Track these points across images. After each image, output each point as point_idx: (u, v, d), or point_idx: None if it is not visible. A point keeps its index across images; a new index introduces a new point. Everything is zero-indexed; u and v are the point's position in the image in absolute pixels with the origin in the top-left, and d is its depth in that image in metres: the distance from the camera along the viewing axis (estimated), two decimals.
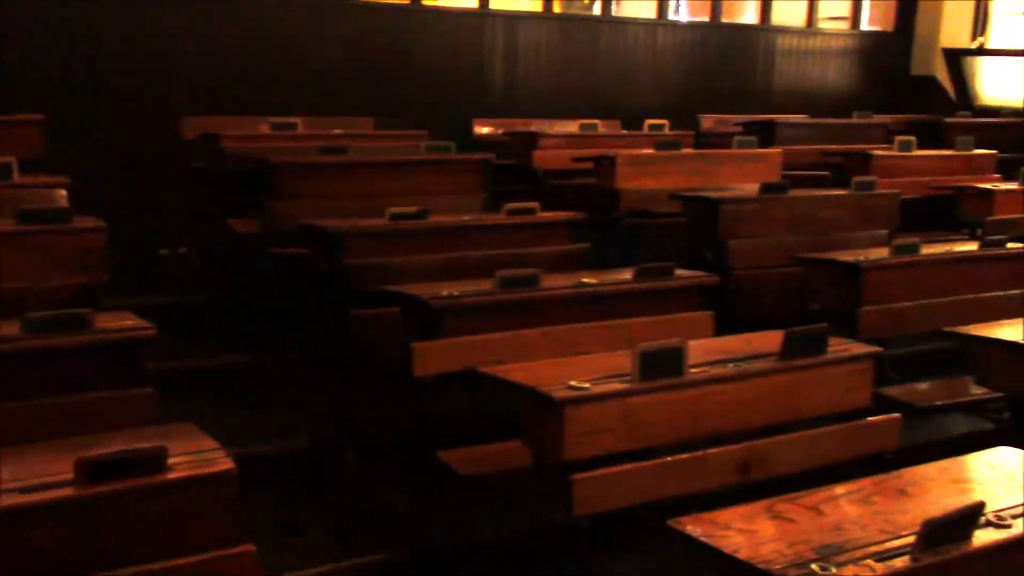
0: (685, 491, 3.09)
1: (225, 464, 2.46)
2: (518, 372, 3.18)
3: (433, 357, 3.59)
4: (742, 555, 2.33)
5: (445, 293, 3.73)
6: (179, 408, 3.19)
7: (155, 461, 2.38)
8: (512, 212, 4.69)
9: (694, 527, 2.47)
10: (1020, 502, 2.66)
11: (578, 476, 2.88)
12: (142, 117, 6.06)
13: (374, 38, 7.10)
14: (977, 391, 4.31)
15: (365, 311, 4.07)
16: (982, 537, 2.44)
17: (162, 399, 3.13)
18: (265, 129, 5.82)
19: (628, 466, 2.98)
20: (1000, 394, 4.06)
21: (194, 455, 2.50)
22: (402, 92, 7.07)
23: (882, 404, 3.99)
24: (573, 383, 2.99)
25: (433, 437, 3.66)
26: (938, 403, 4.32)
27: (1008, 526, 2.50)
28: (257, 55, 6.57)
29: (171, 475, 2.40)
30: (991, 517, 2.53)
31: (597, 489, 2.91)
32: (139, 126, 6.04)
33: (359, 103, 6.72)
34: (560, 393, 2.92)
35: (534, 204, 4.79)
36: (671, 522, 2.50)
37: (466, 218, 4.68)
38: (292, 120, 5.89)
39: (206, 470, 2.43)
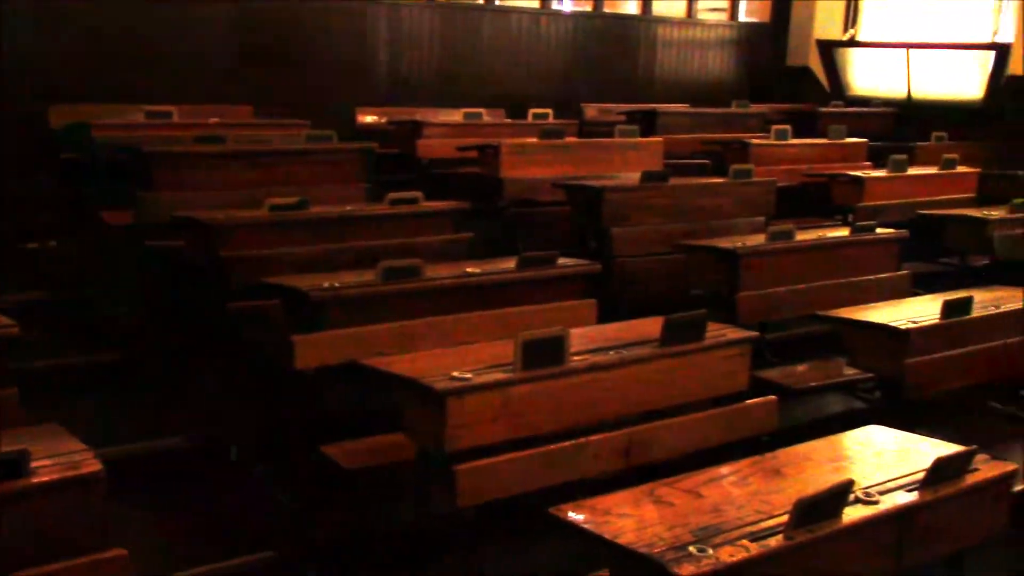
0: (569, 478, 3.11)
1: (92, 466, 2.37)
2: (400, 364, 3.15)
3: (314, 350, 3.53)
4: (622, 540, 2.35)
5: (326, 285, 3.67)
6: (49, 409, 3.05)
7: (17, 465, 2.28)
8: (395, 202, 4.64)
9: (576, 514, 2.49)
10: (888, 478, 2.77)
11: (461, 467, 2.87)
12: (7, 105, 5.78)
13: (255, 26, 6.93)
14: (850, 372, 4.46)
15: (243, 304, 3.97)
16: (852, 514, 2.52)
17: (30, 400, 2.99)
18: (139, 118, 5.63)
19: (511, 455, 2.98)
20: (871, 374, 4.20)
21: (60, 458, 2.40)
22: (284, 81, 6.93)
23: (760, 387, 4.10)
24: (455, 374, 2.98)
25: (318, 431, 3.60)
26: (813, 385, 4.45)
27: (876, 502, 2.59)
28: (131, 40, 6.33)
29: (35, 479, 2.30)
30: (860, 494, 2.62)
31: (480, 479, 2.90)
32: (3, 115, 5.76)
33: (239, 92, 6.55)
34: (441, 384, 2.90)
35: (417, 194, 4.75)
36: (553, 510, 2.51)
37: (348, 208, 4.61)
38: (167, 108, 5.71)
39: (72, 473, 2.34)
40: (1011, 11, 8.20)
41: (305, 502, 3.70)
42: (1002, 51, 8.17)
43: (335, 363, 3.54)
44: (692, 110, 7.64)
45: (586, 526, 2.44)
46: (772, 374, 4.55)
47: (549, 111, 6.98)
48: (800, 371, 4.73)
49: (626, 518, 2.47)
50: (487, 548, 3.32)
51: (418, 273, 3.83)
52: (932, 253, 6.37)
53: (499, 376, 3.03)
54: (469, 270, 4.02)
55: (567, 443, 3.08)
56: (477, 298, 3.91)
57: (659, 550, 2.29)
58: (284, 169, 5.01)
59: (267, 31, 6.95)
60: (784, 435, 3.49)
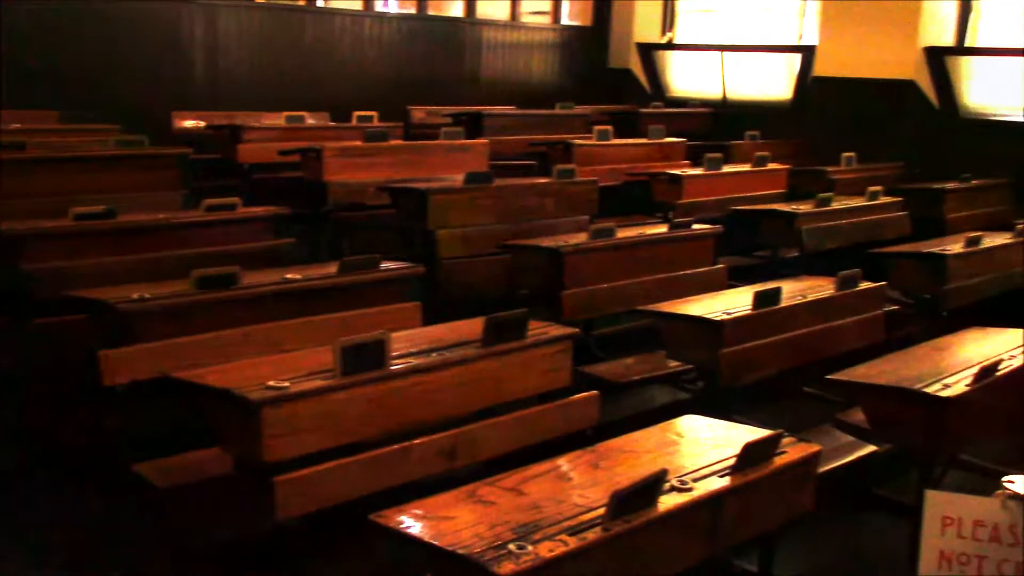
0: (393, 484, 3.07)
1: None
2: (214, 375, 3.04)
3: (124, 365, 3.37)
4: (442, 542, 2.34)
5: (136, 296, 3.51)
6: None
7: None
8: (211, 208, 4.49)
9: (397, 518, 2.46)
10: (702, 465, 2.85)
11: (279, 478, 2.80)
12: None
13: (64, 29, 6.60)
14: (674, 364, 4.59)
15: (48, 320, 3.76)
16: (667, 502, 2.58)
17: None
18: None
19: (331, 464, 2.92)
20: (690, 365, 4.34)
21: None
22: (97, 85, 6.62)
23: (586, 382, 4.17)
24: (272, 383, 2.89)
25: (131, 449, 3.44)
26: (635, 378, 4.56)
27: (690, 489, 2.67)
28: None
29: None
30: (675, 482, 2.69)
31: (301, 490, 2.83)
32: None
33: (47, 96, 6.22)
34: (256, 394, 2.82)
35: (235, 200, 4.61)
36: (374, 516, 2.48)
37: (160, 216, 4.43)
38: None
39: None
40: (815, 14, 8.64)
41: (119, 524, 3.54)
42: (807, 53, 8.60)
43: (148, 377, 3.40)
44: (517, 112, 7.72)
45: (406, 530, 2.42)
46: (597, 369, 4.64)
47: (374, 114, 6.91)
48: (625, 365, 4.83)
49: (447, 520, 2.46)
50: (312, 559, 3.25)
51: (234, 281, 3.72)
52: (747, 247, 6.65)
53: (318, 383, 2.97)
54: (289, 276, 3.93)
55: (391, 448, 3.05)
56: (298, 305, 3.82)
57: (479, 550, 2.29)
58: (92, 176, 4.77)
59: (77, 37, 6.63)
60: (611, 428, 3.55)
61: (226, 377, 3.00)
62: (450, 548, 2.31)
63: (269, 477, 2.80)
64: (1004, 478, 2.08)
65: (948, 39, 7.91)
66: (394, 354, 3.22)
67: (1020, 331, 4.29)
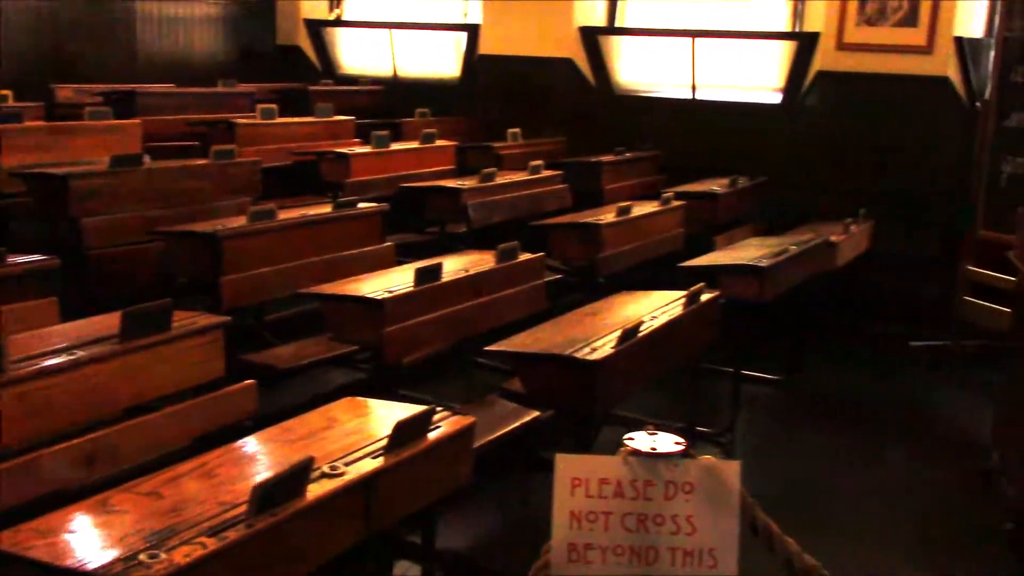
0: (25, 499, 2.79)
1: None
2: None
3: None
4: (64, 561, 2.14)
5: None
6: None
7: None
8: None
9: (12, 540, 2.22)
10: (357, 447, 2.81)
11: None
12: None
13: None
14: (344, 346, 4.53)
15: None
16: (316, 490, 2.51)
17: None
18: None
19: None
20: (356, 347, 4.29)
21: None
22: None
23: (249, 371, 4.00)
24: None
25: None
26: (304, 362, 4.45)
27: (341, 474, 2.61)
28: None
29: None
30: (326, 468, 2.63)
31: None
32: None
33: None
34: None
35: None
36: None
37: None
38: None
39: None
40: None
41: None
42: (472, 31, 8.78)
43: None
44: (175, 90, 7.31)
45: (24, 552, 2.19)
46: (264, 356, 4.49)
47: (9, 92, 6.29)
48: (295, 349, 4.71)
49: (73, 535, 2.26)
50: None
51: None
52: (419, 224, 6.70)
53: None
54: None
55: (13, 462, 2.76)
56: None
57: (104, 564, 2.11)
58: None
59: None
60: (280, 416, 3.42)
61: None
62: (72, 566, 2.11)
63: None
64: (625, 435, 2.18)
65: (600, 19, 8.35)
66: (19, 356, 2.93)
67: (664, 293, 4.60)
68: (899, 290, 6.94)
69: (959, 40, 6.84)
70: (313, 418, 3.09)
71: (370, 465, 2.69)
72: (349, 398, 3.29)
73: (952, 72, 6.89)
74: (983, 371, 5.68)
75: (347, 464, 2.68)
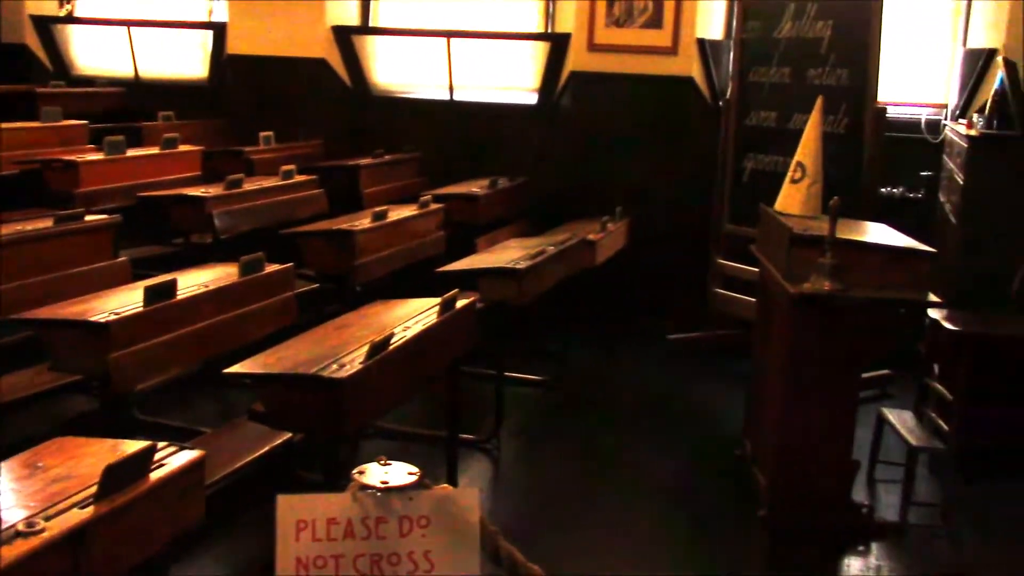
0: None
1: None
2: None
3: None
4: None
5: None
6: None
7: None
8: None
9: None
10: (64, 496, 2.47)
11: None
12: None
13: None
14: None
15: None
16: (9, 554, 2.17)
17: None
18: None
19: None
20: (78, 376, 3.89)
21: None
22: None
23: None
24: None
25: None
26: (19, 396, 4.00)
27: (40, 531, 2.28)
28: None
29: None
30: (22, 526, 2.28)
31: None
32: None
33: None
34: None
35: None
36: None
37: None
38: None
39: None
40: None
41: None
42: (219, 30, 8.33)
43: None
44: None
45: None
46: None
47: None
48: (17, 380, 4.25)
49: None
50: None
51: None
52: (163, 235, 6.25)
53: None
54: None
55: None
56: None
57: None
58: None
59: None
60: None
61: None
62: None
63: None
64: (355, 469, 1.99)
65: (354, 18, 8.11)
66: None
67: (421, 300, 4.44)
68: (657, 285, 7.11)
69: (701, 42, 7.07)
70: (13, 466, 2.71)
71: (77, 517, 2.37)
72: (59, 438, 2.91)
73: (696, 72, 7.11)
74: (739, 362, 5.86)
75: (48, 519, 2.35)
